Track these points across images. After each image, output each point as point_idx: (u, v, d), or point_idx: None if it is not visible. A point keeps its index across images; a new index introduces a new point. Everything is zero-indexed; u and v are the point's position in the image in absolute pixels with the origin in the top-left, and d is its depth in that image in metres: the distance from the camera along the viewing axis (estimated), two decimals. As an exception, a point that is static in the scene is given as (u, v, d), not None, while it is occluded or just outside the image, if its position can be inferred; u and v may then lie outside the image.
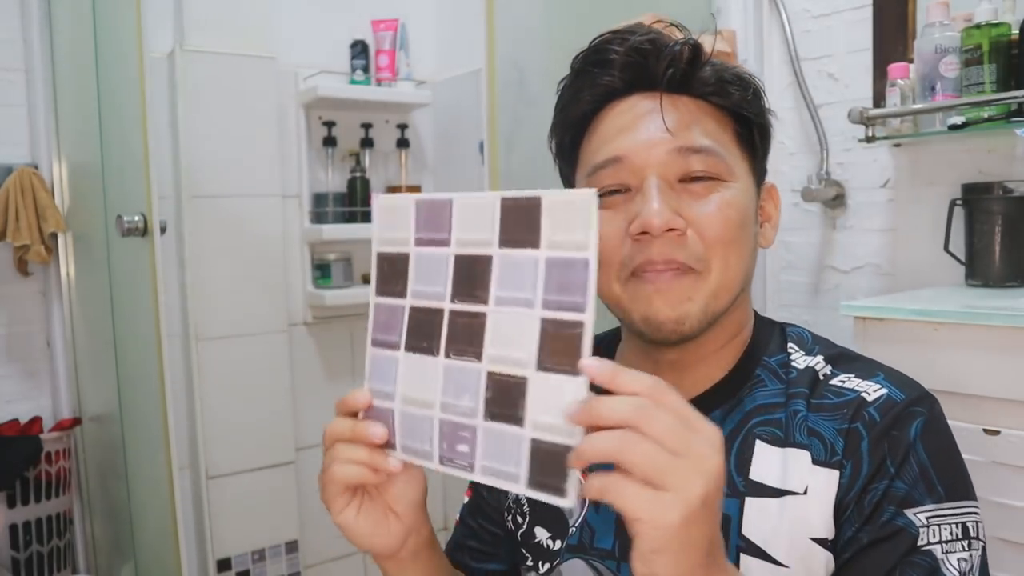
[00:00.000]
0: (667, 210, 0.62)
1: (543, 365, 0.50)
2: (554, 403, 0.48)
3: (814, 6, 1.69)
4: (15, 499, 1.77)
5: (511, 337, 0.51)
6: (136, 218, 1.47)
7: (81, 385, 1.96)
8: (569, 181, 0.74)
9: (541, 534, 0.75)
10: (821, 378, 0.67)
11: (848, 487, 0.62)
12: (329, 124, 2.23)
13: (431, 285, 0.56)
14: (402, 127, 2.34)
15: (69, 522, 1.90)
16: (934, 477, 0.61)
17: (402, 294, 0.58)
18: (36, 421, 1.89)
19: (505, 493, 0.79)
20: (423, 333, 0.56)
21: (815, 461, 0.63)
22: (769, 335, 0.72)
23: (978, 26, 1.28)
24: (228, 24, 1.99)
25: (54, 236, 1.87)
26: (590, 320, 0.48)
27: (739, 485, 0.65)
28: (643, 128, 0.66)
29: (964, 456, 0.65)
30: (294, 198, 2.19)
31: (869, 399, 0.64)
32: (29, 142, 1.90)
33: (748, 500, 0.64)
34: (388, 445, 0.58)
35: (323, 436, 0.60)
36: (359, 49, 2.24)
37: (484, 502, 0.83)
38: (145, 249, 1.49)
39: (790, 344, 0.71)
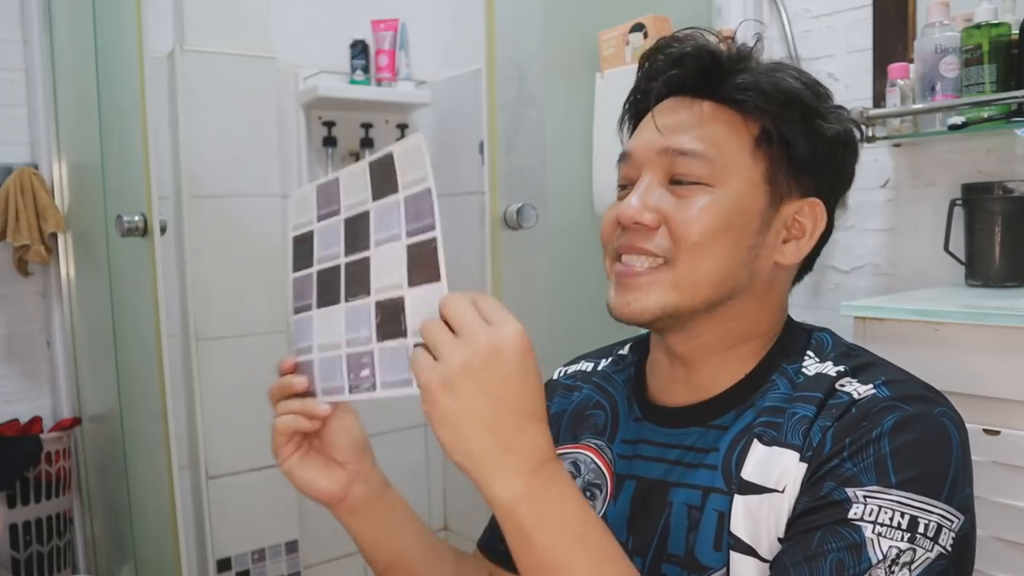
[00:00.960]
0: (639, 205, 0.68)
1: (412, 282, 0.59)
2: (425, 310, 0.58)
3: (814, 6, 1.69)
4: (15, 499, 1.77)
5: (389, 268, 0.61)
6: (136, 218, 1.47)
7: (81, 385, 1.96)
8: None
9: None
10: (829, 380, 0.67)
11: (807, 474, 0.62)
12: (329, 124, 2.23)
13: (330, 248, 0.67)
14: (402, 127, 2.34)
15: (69, 522, 1.90)
16: (890, 466, 0.59)
17: (310, 264, 0.69)
18: (36, 421, 1.89)
19: None
20: (328, 289, 0.66)
21: (801, 459, 0.63)
22: (794, 343, 0.72)
23: (978, 26, 1.28)
24: (228, 24, 1.99)
25: (54, 236, 1.87)
26: (439, 235, 0.58)
27: (733, 484, 0.66)
28: (647, 128, 0.71)
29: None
30: (293, 200, 2.19)
31: (856, 398, 0.64)
32: (29, 142, 1.90)
33: (736, 498, 0.65)
34: (311, 393, 0.67)
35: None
36: (359, 49, 2.24)
37: None
38: (145, 249, 1.49)
39: (808, 351, 0.71)
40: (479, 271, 2.08)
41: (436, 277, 0.57)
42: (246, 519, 2.06)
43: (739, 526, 0.65)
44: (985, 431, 1.09)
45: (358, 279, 0.63)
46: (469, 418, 0.53)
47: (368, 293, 0.62)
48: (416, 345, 0.57)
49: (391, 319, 0.60)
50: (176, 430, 1.51)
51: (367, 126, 2.29)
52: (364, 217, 0.64)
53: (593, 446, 0.78)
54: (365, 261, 0.63)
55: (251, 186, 2.04)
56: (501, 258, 1.48)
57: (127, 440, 1.74)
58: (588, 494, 0.75)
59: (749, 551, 0.64)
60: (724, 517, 0.65)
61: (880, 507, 0.58)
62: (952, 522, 0.59)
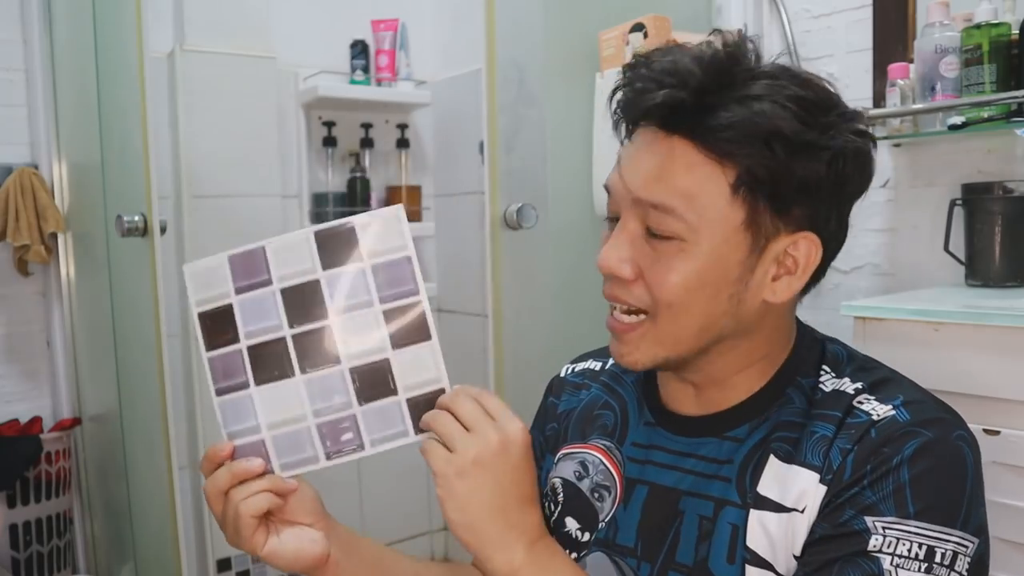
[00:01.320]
0: (615, 258, 0.66)
1: (397, 344, 0.63)
2: (418, 366, 0.63)
3: (814, 6, 1.69)
4: (15, 499, 1.77)
5: (360, 334, 0.63)
6: (136, 218, 1.47)
7: (81, 385, 1.96)
8: None
9: (571, 524, 0.76)
10: (847, 397, 0.66)
11: (826, 498, 0.62)
12: (329, 124, 2.23)
13: (263, 322, 0.64)
14: (402, 127, 2.34)
15: (69, 522, 1.90)
16: (908, 496, 0.59)
17: (235, 340, 0.65)
18: (36, 421, 1.89)
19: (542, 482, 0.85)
20: (270, 364, 0.64)
21: (821, 481, 0.63)
22: (807, 357, 0.71)
23: (978, 26, 1.28)
24: (228, 24, 1.99)
25: (54, 236, 1.87)
26: (425, 299, 0.63)
27: (748, 497, 0.66)
28: (629, 165, 0.67)
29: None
30: (294, 198, 2.19)
31: (875, 420, 0.63)
32: (29, 142, 1.89)
33: (752, 512, 0.65)
34: (266, 472, 0.65)
35: (205, 496, 0.66)
36: (359, 49, 2.24)
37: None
38: (145, 249, 1.49)
39: (824, 366, 0.70)
40: (479, 271, 2.08)
41: (427, 336, 0.63)
42: (246, 519, 2.06)
43: (755, 541, 0.64)
44: (985, 431, 1.09)
45: (318, 350, 0.64)
46: (479, 502, 0.61)
47: (336, 361, 0.64)
48: (420, 433, 0.64)
49: (375, 382, 0.64)
50: (176, 430, 1.51)
51: (367, 126, 2.29)
52: (312, 286, 0.64)
53: (602, 447, 0.77)
54: (322, 331, 0.64)
55: (251, 186, 2.04)
56: (501, 258, 1.48)
57: (127, 440, 1.74)
58: (596, 495, 0.75)
59: (766, 566, 0.64)
60: (738, 530, 0.65)
61: (898, 539, 0.58)
62: (967, 547, 0.60)
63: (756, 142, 0.60)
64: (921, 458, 0.60)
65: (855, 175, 0.65)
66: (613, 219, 0.69)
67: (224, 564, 2.04)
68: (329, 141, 2.23)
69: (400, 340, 0.63)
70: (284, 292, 0.64)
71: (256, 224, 2.05)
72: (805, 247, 0.66)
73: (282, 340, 0.64)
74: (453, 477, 0.61)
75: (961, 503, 0.60)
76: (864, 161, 0.65)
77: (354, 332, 0.63)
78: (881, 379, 0.67)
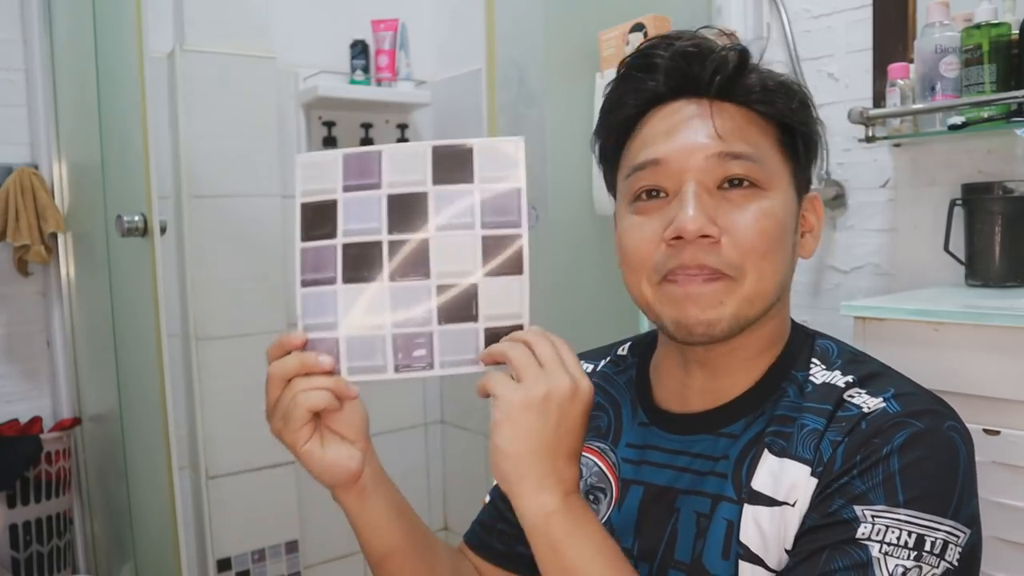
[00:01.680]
0: (702, 216, 0.64)
1: (491, 271, 0.63)
2: (504, 298, 0.62)
3: (814, 6, 1.69)
4: (15, 499, 1.77)
5: (455, 255, 0.62)
6: (136, 218, 1.47)
7: (81, 385, 1.96)
8: (611, 184, 0.76)
9: None
10: (838, 390, 0.67)
11: (817, 489, 0.62)
12: (329, 124, 2.23)
13: (365, 223, 0.64)
14: (402, 127, 2.34)
15: (69, 522, 1.90)
16: (898, 485, 0.59)
17: (331, 235, 0.64)
18: (36, 421, 1.89)
19: None
20: (362, 264, 0.63)
21: (812, 474, 0.63)
22: (800, 349, 0.72)
23: (978, 26, 1.28)
24: (228, 24, 1.99)
25: (54, 236, 1.87)
26: (526, 233, 0.63)
27: (743, 493, 0.66)
28: (685, 133, 0.67)
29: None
30: (294, 198, 2.19)
31: (866, 412, 0.63)
32: (29, 142, 1.90)
33: (746, 507, 0.65)
34: (334, 371, 0.63)
35: (267, 377, 0.64)
36: (359, 49, 2.24)
37: None
38: (145, 249, 1.49)
39: (813, 359, 0.71)
40: (479, 271, 2.08)
41: (519, 271, 0.63)
42: (246, 519, 2.06)
43: (748, 536, 0.64)
44: (985, 431, 1.09)
45: (412, 260, 0.63)
46: (535, 438, 0.59)
47: (426, 276, 0.63)
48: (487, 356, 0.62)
49: (459, 304, 0.63)
50: (176, 430, 1.51)
51: (367, 126, 2.29)
52: (419, 198, 0.63)
53: (596, 449, 0.77)
54: (421, 243, 0.63)
55: (251, 186, 2.04)
56: (501, 258, 1.48)
57: (127, 440, 1.74)
58: (591, 497, 0.75)
59: (757, 561, 0.64)
60: (733, 526, 0.65)
61: (887, 527, 0.58)
62: (958, 537, 0.59)
63: (784, 99, 0.68)
64: (911, 448, 0.60)
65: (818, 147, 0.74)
66: (651, 193, 0.68)
67: (224, 564, 2.04)
68: (329, 141, 2.23)
69: (493, 269, 0.63)
70: (391, 198, 0.63)
71: (256, 224, 2.05)
72: (812, 206, 0.73)
73: (378, 244, 0.63)
74: (517, 406, 0.58)
75: (952, 493, 0.60)
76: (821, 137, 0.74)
77: (450, 251, 0.63)
78: (872, 372, 0.68)
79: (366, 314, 0.63)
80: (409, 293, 0.63)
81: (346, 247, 0.64)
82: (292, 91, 2.17)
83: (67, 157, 1.90)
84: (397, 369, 0.63)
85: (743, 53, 0.68)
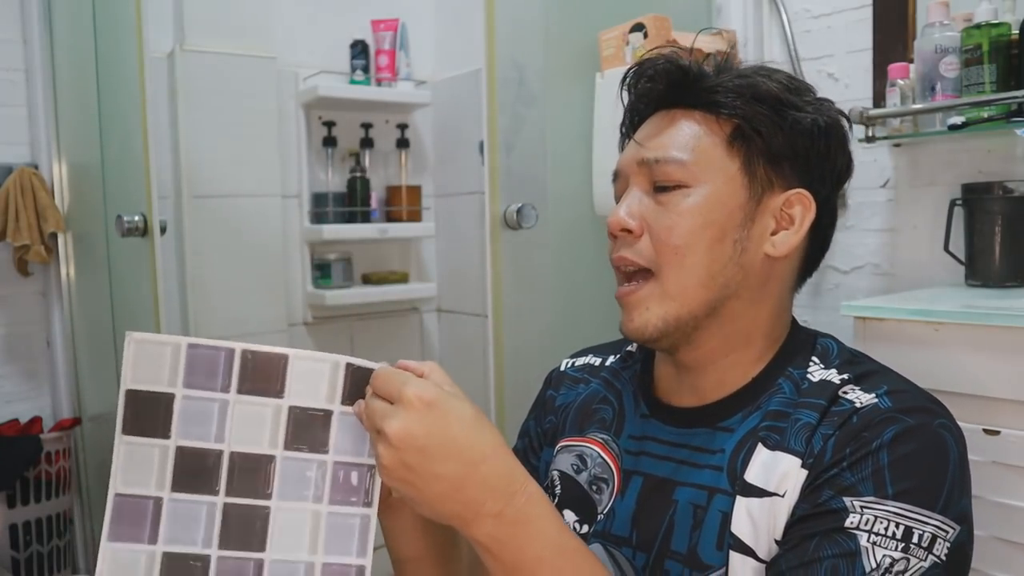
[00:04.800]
0: (624, 213, 0.71)
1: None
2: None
3: (814, 6, 1.69)
4: (15, 499, 1.77)
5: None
6: (136, 218, 1.47)
7: (81, 385, 1.96)
8: None
9: (569, 517, 0.77)
10: (833, 387, 0.68)
11: (807, 481, 0.63)
12: (329, 124, 2.23)
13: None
14: (402, 127, 2.34)
15: (69, 522, 1.90)
16: (887, 477, 0.60)
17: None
18: (36, 421, 1.89)
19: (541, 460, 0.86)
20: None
21: (803, 466, 0.64)
22: (799, 348, 0.73)
23: (978, 26, 1.28)
24: (228, 24, 1.99)
25: (54, 236, 1.87)
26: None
27: (736, 485, 0.67)
28: (630, 144, 0.75)
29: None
30: (294, 198, 2.19)
31: (858, 407, 0.64)
32: (29, 142, 1.90)
33: (738, 499, 0.66)
34: None
35: None
36: (359, 49, 2.24)
37: (530, 456, 0.88)
38: (145, 249, 1.48)
39: (813, 357, 0.72)
40: (479, 271, 2.08)
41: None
42: (246, 519, 2.06)
43: (739, 526, 0.65)
44: (985, 431, 1.09)
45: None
46: (428, 497, 0.56)
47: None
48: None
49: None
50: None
51: (367, 126, 2.29)
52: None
53: (600, 440, 0.79)
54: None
55: (251, 186, 2.04)
56: (501, 258, 1.48)
57: (127, 440, 1.74)
58: (595, 487, 0.76)
59: (747, 551, 0.65)
60: (727, 517, 0.66)
61: (876, 517, 0.59)
62: (947, 532, 0.60)
63: (747, 99, 0.70)
64: (901, 443, 0.61)
65: (838, 151, 0.73)
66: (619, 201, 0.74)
67: (224, 564, 2.03)
68: (329, 141, 2.23)
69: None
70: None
71: (256, 224, 2.05)
72: (799, 202, 0.72)
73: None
74: (390, 484, 0.57)
75: (942, 488, 0.61)
76: (844, 137, 0.73)
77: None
78: (868, 371, 0.69)
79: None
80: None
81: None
82: (292, 91, 2.17)
83: (67, 157, 1.90)
84: None
85: (679, 66, 0.72)
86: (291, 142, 2.18)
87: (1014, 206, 1.34)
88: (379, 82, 2.27)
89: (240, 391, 0.58)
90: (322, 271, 2.21)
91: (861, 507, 0.59)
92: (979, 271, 1.38)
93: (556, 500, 0.79)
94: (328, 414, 0.58)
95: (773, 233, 0.71)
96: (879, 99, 1.51)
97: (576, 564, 0.60)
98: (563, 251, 1.58)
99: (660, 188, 0.70)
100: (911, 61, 1.44)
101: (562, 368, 0.90)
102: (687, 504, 0.69)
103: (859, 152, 1.62)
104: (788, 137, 0.70)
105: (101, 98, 1.68)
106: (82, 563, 1.98)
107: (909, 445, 0.61)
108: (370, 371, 0.59)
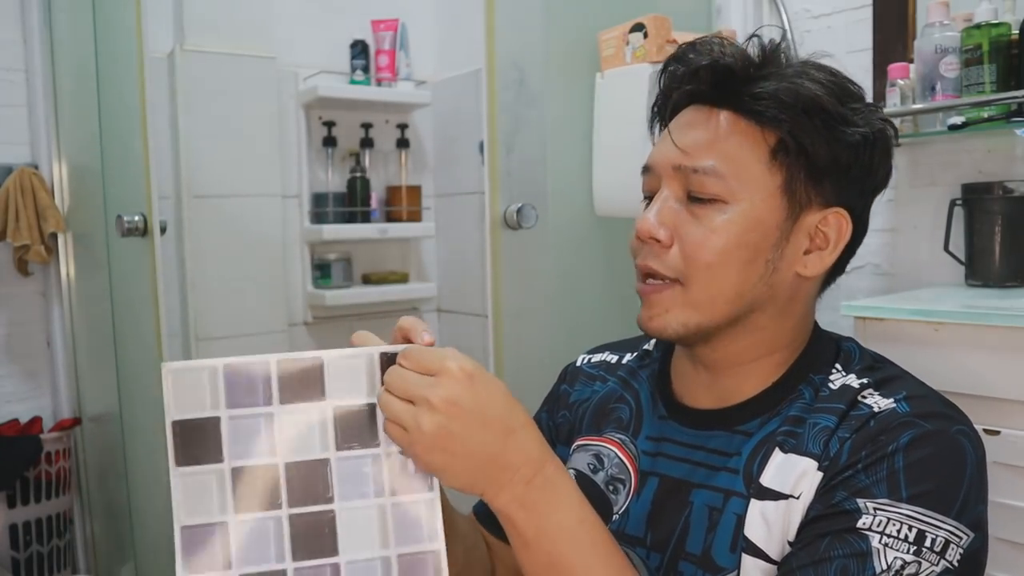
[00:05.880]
0: (654, 220, 0.67)
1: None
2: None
3: (814, 6, 1.69)
4: (15, 499, 1.77)
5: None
6: (136, 218, 1.47)
7: (81, 385, 1.96)
8: None
9: None
10: (853, 391, 0.67)
11: (822, 483, 0.63)
12: (329, 124, 2.23)
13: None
14: (402, 127, 2.34)
15: (69, 522, 1.90)
16: (902, 480, 0.60)
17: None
18: (36, 421, 1.89)
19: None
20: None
21: (819, 468, 0.64)
22: (821, 354, 0.72)
23: (978, 26, 1.28)
24: (228, 24, 1.99)
25: (54, 236, 1.87)
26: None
27: (752, 488, 0.67)
28: (665, 141, 0.70)
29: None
30: (294, 198, 2.19)
31: (876, 411, 0.64)
32: (29, 142, 1.90)
33: (752, 502, 0.66)
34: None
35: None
36: (359, 49, 2.24)
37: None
38: (145, 249, 1.48)
39: (836, 363, 0.71)
40: (479, 271, 2.08)
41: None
42: (246, 519, 2.06)
43: (753, 529, 0.65)
44: (985, 431, 1.09)
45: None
46: (457, 467, 0.57)
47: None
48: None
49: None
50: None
51: (367, 126, 2.29)
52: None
53: (617, 440, 0.78)
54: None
55: (251, 186, 2.04)
56: (501, 258, 1.48)
57: (127, 440, 1.74)
58: (611, 488, 0.76)
59: (759, 554, 0.64)
60: (742, 520, 0.66)
61: (889, 519, 0.59)
62: (961, 539, 0.59)
63: (796, 110, 0.65)
64: (917, 447, 0.61)
65: (881, 162, 0.69)
66: (649, 198, 0.71)
67: (224, 564, 2.03)
68: (329, 141, 2.23)
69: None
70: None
71: (256, 224, 2.05)
72: (836, 222, 0.69)
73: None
74: (424, 455, 0.56)
75: (957, 494, 0.60)
76: (888, 149, 0.70)
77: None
78: (888, 376, 0.68)
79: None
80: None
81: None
82: (292, 91, 2.17)
83: (67, 157, 1.90)
84: None
85: (728, 66, 0.67)
86: (291, 142, 2.18)
87: (1014, 206, 1.34)
88: (379, 82, 2.27)
89: (283, 401, 0.58)
90: (322, 271, 2.21)
91: (874, 509, 0.59)
92: (979, 271, 1.38)
93: None
94: (373, 407, 0.59)
95: (807, 252, 0.69)
96: (879, 99, 1.51)
97: (594, 536, 0.61)
98: (563, 251, 1.58)
99: (695, 199, 0.67)
100: (911, 61, 1.44)
101: (578, 363, 0.90)
102: (703, 506, 0.69)
103: (859, 152, 1.62)
104: (833, 151, 0.66)
105: (101, 98, 1.68)
106: (82, 563, 1.98)
107: (925, 450, 0.61)
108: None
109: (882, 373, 0.69)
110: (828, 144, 0.66)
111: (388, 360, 0.59)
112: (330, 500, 0.58)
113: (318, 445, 0.58)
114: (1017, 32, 1.27)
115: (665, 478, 0.73)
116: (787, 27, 1.70)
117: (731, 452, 0.70)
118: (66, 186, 1.91)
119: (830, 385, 0.69)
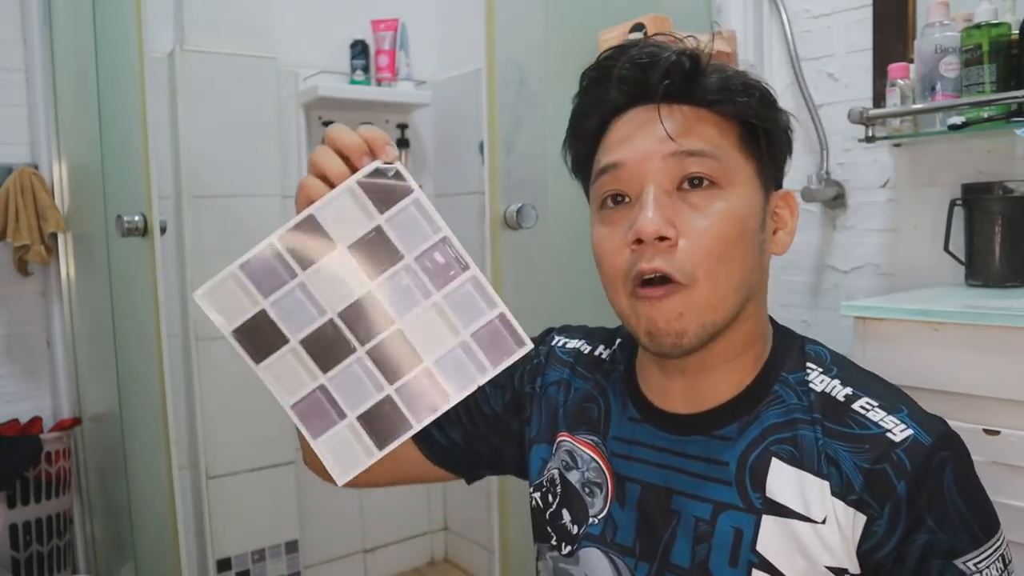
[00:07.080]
0: (660, 218, 0.64)
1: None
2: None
3: (814, 6, 1.69)
4: (15, 499, 1.77)
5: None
6: (136, 218, 1.47)
7: (81, 385, 1.96)
8: (587, 192, 0.77)
9: (566, 516, 0.77)
10: (842, 400, 0.66)
11: (885, 538, 0.62)
12: (329, 124, 2.23)
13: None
14: (402, 127, 2.34)
15: (69, 522, 1.90)
16: (972, 522, 0.62)
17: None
18: (36, 421, 1.89)
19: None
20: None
21: (834, 493, 0.63)
22: (788, 350, 0.72)
23: (978, 26, 1.28)
24: (228, 24, 1.99)
25: (54, 236, 1.87)
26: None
27: (755, 502, 0.65)
28: (641, 137, 0.68)
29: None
30: (294, 198, 2.19)
31: (896, 440, 0.62)
32: (29, 142, 1.90)
33: (764, 518, 0.65)
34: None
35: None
36: (359, 49, 2.24)
37: (481, 407, 0.85)
38: (145, 249, 1.49)
39: (808, 363, 0.70)
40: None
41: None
42: (246, 519, 2.06)
43: (768, 546, 0.64)
44: (985, 431, 1.09)
45: (367, 317, 0.62)
46: None
47: (391, 322, 0.62)
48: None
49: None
50: (176, 430, 1.51)
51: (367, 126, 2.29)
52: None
53: (591, 443, 0.77)
54: (368, 299, 0.62)
55: (251, 186, 2.04)
56: (501, 258, 1.48)
57: (127, 440, 1.74)
58: (587, 490, 0.75)
59: (774, 572, 0.64)
60: (743, 534, 0.65)
61: (987, 566, 0.62)
62: (1003, 536, 0.65)
63: (744, 95, 0.67)
64: (960, 480, 0.63)
65: (790, 143, 0.73)
66: (615, 198, 0.69)
67: (224, 564, 2.04)
68: (329, 141, 2.23)
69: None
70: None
71: (256, 224, 2.05)
72: (786, 203, 0.72)
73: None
74: None
75: (991, 503, 0.65)
76: (790, 133, 0.73)
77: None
78: (868, 384, 0.68)
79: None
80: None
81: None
82: (292, 91, 2.18)
83: (67, 157, 1.90)
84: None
85: (693, 56, 0.67)
86: (291, 142, 2.18)
87: (1014, 206, 1.35)
88: (379, 82, 2.27)
89: (303, 268, 0.62)
90: (322, 271, 2.21)
91: (974, 564, 0.62)
92: (979, 271, 1.38)
93: (557, 500, 0.78)
94: (379, 229, 0.62)
95: (773, 233, 0.71)
96: (879, 99, 1.52)
97: None
98: (563, 251, 1.58)
99: (693, 184, 0.65)
100: (911, 61, 1.44)
101: (554, 343, 0.87)
102: (689, 517, 0.68)
103: (859, 152, 1.62)
104: (779, 136, 0.70)
105: (101, 98, 1.68)
106: (82, 563, 1.98)
107: (966, 481, 0.64)
108: (376, 171, 0.63)
109: (860, 378, 0.69)
110: (777, 127, 0.69)
111: (369, 184, 0.62)
112: (392, 322, 0.62)
113: (357, 284, 0.62)
114: (1017, 32, 1.27)
115: (646, 485, 0.72)
116: (787, 27, 1.70)
117: (715, 459, 0.68)
118: (66, 186, 1.91)
119: (812, 387, 0.68)
